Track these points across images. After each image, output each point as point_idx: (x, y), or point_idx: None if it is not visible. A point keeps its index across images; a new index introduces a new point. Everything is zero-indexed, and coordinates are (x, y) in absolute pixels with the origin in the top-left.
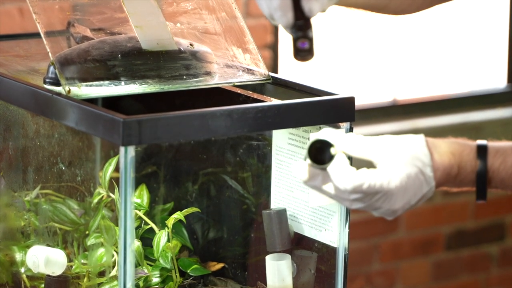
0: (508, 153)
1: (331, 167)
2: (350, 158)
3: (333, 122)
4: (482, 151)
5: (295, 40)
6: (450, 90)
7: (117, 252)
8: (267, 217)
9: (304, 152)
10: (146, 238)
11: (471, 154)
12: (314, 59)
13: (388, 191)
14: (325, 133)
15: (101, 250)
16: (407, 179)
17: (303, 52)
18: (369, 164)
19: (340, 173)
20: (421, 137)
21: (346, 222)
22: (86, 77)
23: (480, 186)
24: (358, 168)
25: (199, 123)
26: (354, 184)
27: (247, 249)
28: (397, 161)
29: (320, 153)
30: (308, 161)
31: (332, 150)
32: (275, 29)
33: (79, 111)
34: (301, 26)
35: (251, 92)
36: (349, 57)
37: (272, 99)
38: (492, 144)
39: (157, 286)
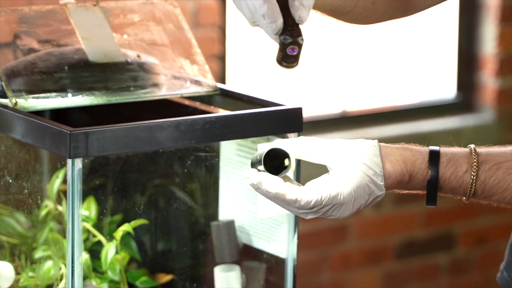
0: (459, 162)
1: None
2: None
3: (281, 133)
4: (434, 158)
5: (285, 46)
6: (400, 101)
7: (65, 265)
8: (215, 229)
9: (253, 159)
10: (95, 250)
11: (423, 164)
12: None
13: (338, 203)
14: (277, 142)
15: (49, 263)
16: (357, 189)
17: (291, 58)
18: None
19: (290, 190)
20: (375, 144)
21: (294, 232)
22: (33, 89)
23: (431, 193)
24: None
25: (146, 135)
26: (303, 201)
27: (196, 261)
28: (349, 171)
29: (274, 162)
30: (262, 168)
31: (286, 162)
32: (224, 39)
33: (25, 123)
34: (292, 33)
35: (198, 103)
36: (298, 68)
37: (220, 110)
38: (444, 151)
39: None
